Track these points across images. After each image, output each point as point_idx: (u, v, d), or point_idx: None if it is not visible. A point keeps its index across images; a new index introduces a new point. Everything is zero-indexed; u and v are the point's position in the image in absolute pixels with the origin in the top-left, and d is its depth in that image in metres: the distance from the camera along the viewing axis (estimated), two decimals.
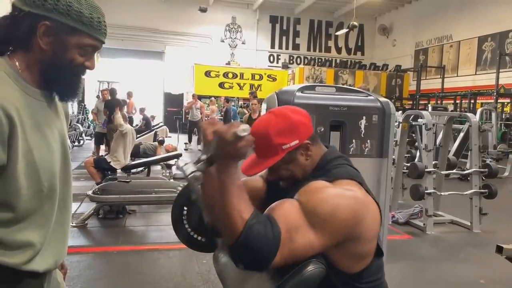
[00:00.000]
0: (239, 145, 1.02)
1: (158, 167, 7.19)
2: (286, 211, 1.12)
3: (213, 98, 14.26)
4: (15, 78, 1.01)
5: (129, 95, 11.57)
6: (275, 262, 1.07)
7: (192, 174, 1.05)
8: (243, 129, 1.00)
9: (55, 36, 1.01)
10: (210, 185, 1.13)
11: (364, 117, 2.58)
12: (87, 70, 1.09)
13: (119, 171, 5.63)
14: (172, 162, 6.99)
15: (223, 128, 1.03)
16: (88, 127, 13.68)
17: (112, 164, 5.43)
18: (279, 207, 1.13)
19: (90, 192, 4.50)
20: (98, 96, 11.71)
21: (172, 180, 5.61)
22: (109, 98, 8.86)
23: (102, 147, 9.05)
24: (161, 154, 6.98)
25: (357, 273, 1.20)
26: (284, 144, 1.22)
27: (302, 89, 2.60)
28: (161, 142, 7.60)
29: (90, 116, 12.43)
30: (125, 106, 9.54)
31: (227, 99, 12.45)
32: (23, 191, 0.98)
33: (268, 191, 1.39)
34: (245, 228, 1.04)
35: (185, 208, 1.75)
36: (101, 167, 5.42)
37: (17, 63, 1.03)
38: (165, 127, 10.59)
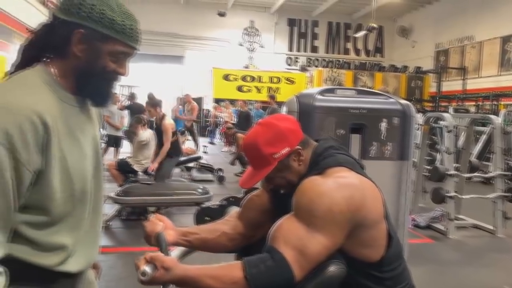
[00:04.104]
0: (150, 284, 1.06)
1: (178, 170, 7.28)
2: (284, 230, 1.13)
3: (227, 101, 14.31)
4: (51, 85, 1.03)
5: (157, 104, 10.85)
6: (298, 277, 1.09)
7: None
8: (142, 272, 1.04)
9: (88, 43, 1.03)
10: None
11: (384, 120, 2.58)
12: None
13: (141, 173, 5.74)
14: (191, 164, 7.12)
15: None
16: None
17: (133, 167, 5.54)
18: (277, 231, 1.14)
19: (112, 194, 4.59)
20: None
21: (192, 182, 5.68)
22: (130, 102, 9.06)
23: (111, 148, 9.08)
24: (184, 144, 7.23)
25: (377, 262, 1.20)
26: (275, 153, 1.23)
27: (322, 92, 2.62)
28: (182, 132, 8.03)
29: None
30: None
31: (246, 102, 12.45)
32: (57, 195, 1.01)
33: (273, 201, 1.40)
34: (249, 282, 1.06)
35: (207, 218, 1.79)
36: (124, 170, 5.54)
37: (53, 70, 1.05)
38: (185, 130, 10.68)
